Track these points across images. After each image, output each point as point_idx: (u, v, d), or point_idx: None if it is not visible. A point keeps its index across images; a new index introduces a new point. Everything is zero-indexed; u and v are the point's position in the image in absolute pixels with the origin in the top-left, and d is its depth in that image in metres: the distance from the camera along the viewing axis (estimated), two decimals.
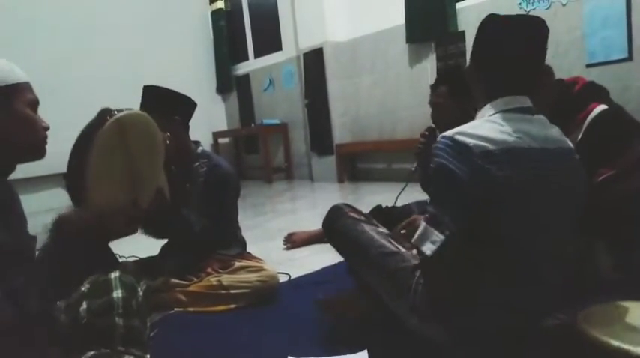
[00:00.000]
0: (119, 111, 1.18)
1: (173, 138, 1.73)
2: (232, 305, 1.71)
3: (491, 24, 1.09)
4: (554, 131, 1.09)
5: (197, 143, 1.97)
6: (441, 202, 1.01)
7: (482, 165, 0.94)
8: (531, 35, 1.06)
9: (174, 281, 1.79)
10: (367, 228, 1.32)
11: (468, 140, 0.96)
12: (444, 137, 1.01)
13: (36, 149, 1.13)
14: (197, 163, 1.90)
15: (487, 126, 1.01)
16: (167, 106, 1.78)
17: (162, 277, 1.79)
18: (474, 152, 0.95)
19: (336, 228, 1.38)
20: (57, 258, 1.05)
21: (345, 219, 1.36)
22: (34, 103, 1.12)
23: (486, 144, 0.96)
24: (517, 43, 1.05)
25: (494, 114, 1.05)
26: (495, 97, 1.07)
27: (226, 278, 1.75)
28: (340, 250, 1.41)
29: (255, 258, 1.94)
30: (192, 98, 1.90)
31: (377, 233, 1.30)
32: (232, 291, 1.72)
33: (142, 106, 1.76)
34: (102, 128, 1.14)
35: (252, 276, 1.76)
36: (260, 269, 1.79)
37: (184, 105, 1.88)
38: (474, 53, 1.14)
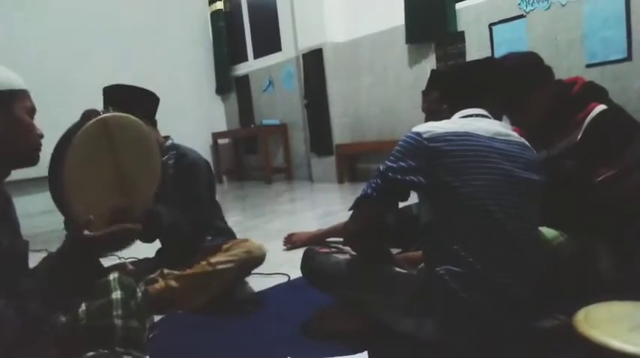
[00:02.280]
0: (105, 112, 1.16)
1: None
2: (221, 282, 1.70)
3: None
4: (510, 131, 1.29)
5: (167, 137, 1.94)
6: (396, 161, 1.21)
7: (428, 144, 1.18)
8: (478, 73, 1.40)
9: (168, 271, 1.77)
10: (341, 257, 1.39)
11: (421, 129, 1.22)
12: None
13: (29, 156, 1.13)
14: (166, 156, 1.87)
15: (444, 122, 1.27)
16: (130, 103, 1.73)
17: (158, 270, 1.79)
18: (424, 136, 1.19)
19: (313, 268, 1.45)
20: (58, 272, 1.05)
21: (318, 257, 1.44)
22: (32, 111, 1.13)
23: (435, 130, 1.20)
24: (465, 82, 1.39)
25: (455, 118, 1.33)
26: (457, 110, 1.35)
27: (214, 258, 1.75)
28: (324, 286, 1.45)
29: (243, 239, 1.93)
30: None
31: (351, 256, 1.38)
32: (219, 267, 1.71)
33: (105, 106, 1.73)
34: (83, 127, 1.11)
35: (237, 250, 1.76)
36: (244, 242, 1.79)
37: (147, 100, 1.86)
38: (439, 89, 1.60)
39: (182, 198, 1.82)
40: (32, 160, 1.14)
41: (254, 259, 1.75)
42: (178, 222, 1.76)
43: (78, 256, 1.07)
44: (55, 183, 1.10)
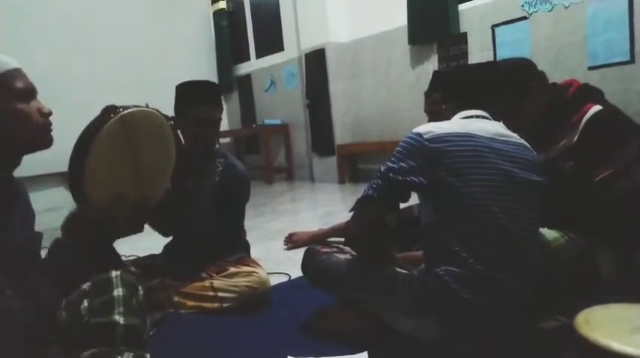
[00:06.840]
0: (124, 107, 1.12)
1: (217, 130, 1.86)
2: (216, 305, 1.70)
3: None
4: (510, 132, 1.30)
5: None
6: (397, 162, 1.22)
7: (429, 145, 1.19)
8: (480, 75, 1.43)
9: (170, 281, 1.78)
10: (341, 256, 1.41)
11: (422, 130, 1.23)
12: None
13: (36, 140, 1.07)
14: (217, 160, 1.90)
15: (445, 123, 1.28)
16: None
17: (160, 277, 1.78)
18: (425, 137, 1.20)
19: (314, 267, 1.46)
20: (63, 257, 1.04)
21: (319, 256, 1.45)
22: (26, 92, 1.03)
23: (436, 131, 1.21)
24: (467, 83, 1.41)
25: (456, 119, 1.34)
26: (458, 111, 1.36)
27: (218, 282, 1.74)
28: (325, 285, 1.46)
29: (253, 262, 1.92)
30: None
31: (352, 256, 1.39)
32: (220, 294, 1.70)
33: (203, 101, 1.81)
34: (104, 125, 1.09)
35: (241, 281, 1.74)
36: (251, 274, 1.77)
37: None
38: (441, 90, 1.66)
39: (219, 208, 1.83)
40: (42, 143, 1.07)
41: (257, 295, 1.74)
42: (212, 231, 1.78)
43: (86, 234, 1.03)
44: (77, 184, 1.10)
